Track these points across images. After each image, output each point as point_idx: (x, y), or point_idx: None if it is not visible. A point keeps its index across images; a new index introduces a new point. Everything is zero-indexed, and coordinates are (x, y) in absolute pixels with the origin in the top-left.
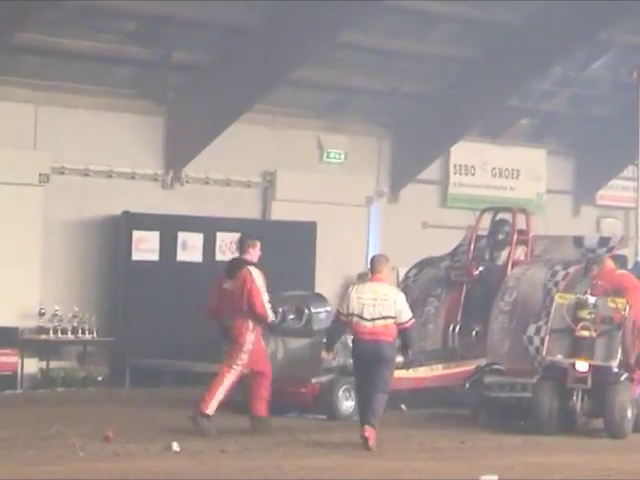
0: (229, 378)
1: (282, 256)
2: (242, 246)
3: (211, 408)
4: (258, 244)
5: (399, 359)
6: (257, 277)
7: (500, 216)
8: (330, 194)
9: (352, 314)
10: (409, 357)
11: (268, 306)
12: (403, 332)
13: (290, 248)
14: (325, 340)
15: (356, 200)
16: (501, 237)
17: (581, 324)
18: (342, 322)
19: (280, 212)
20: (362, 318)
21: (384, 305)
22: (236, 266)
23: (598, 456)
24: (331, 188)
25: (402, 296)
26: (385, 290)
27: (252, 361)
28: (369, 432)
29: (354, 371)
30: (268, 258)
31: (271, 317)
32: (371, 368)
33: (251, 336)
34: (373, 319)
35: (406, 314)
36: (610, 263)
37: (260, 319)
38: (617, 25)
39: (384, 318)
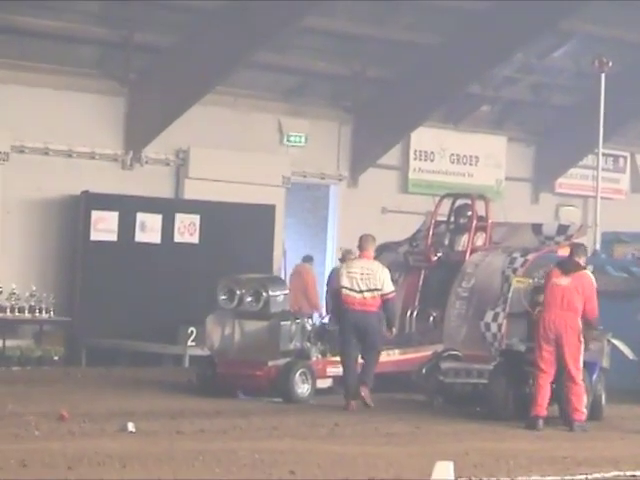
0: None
1: (241, 238)
2: (578, 252)
3: (586, 413)
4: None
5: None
6: (594, 283)
7: (459, 202)
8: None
9: (343, 287)
10: (394, 333)
11: (597, 311)
12: (385, 302)
13: (249, 230)
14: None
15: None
16: (461, 223)
17: (539, 308)
18: (334, 294)
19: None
20: (352, 290)
21: (370, 279)
22: (573, 266)
23: (552, 443)
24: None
25: (386, 271)
26: (371, 266)
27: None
28: (364, 392)
29: (341, 338)
30: (226, 240)
31: (596, 322)
32: (360, 334)
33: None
34: (362, 291)
35: (388, 286)
36: None
37: (590, 320)
38: (579, 14)
39: (371, 290)
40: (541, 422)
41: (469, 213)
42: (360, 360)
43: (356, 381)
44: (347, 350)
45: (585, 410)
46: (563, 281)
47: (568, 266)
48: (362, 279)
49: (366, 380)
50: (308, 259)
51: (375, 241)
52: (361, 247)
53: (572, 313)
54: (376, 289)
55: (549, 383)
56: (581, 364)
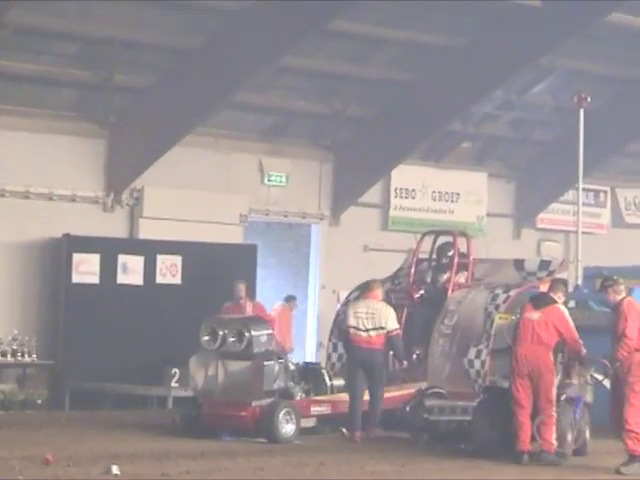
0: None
1: (223, 278)
2: (554, 287)
3: (555, 444)
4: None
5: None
6: (569, 316)
7: (441, 239)
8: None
9: (350, 326)
10: (403, 366)
11: (580, 342)
12: (390, 339)
13: (231, 270)
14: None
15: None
16: (443, 260)
17: None
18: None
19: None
20: (358, 329)
21: (375, 317)
22: (545, 300)
23: (537, 479)
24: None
25: (390, 310)
26: (376, 305)
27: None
28: (373, 433)
29: (349, 376)
30: (209, 280)
31: (583, 351)
32: (366, 370)
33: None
34: (367, 330)
35: (392, 324)
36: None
37: (575, 352)
38: (558, 50)
39: (376, 329)
40: (526, 457)
41: (451, 250)
42: (366, 397)
43: (361, 418)
44: (354, 384)
45: (555, 441)
46: (534, 315)
47: (540, 301)
48: (367, 318)
49: (373, 424)
50: (289, 299)
51: (381, 284)
52: (368, 289)
53: (542, 347)
54: (381, 327)
55: (529, 418)
56: (553, 396)
